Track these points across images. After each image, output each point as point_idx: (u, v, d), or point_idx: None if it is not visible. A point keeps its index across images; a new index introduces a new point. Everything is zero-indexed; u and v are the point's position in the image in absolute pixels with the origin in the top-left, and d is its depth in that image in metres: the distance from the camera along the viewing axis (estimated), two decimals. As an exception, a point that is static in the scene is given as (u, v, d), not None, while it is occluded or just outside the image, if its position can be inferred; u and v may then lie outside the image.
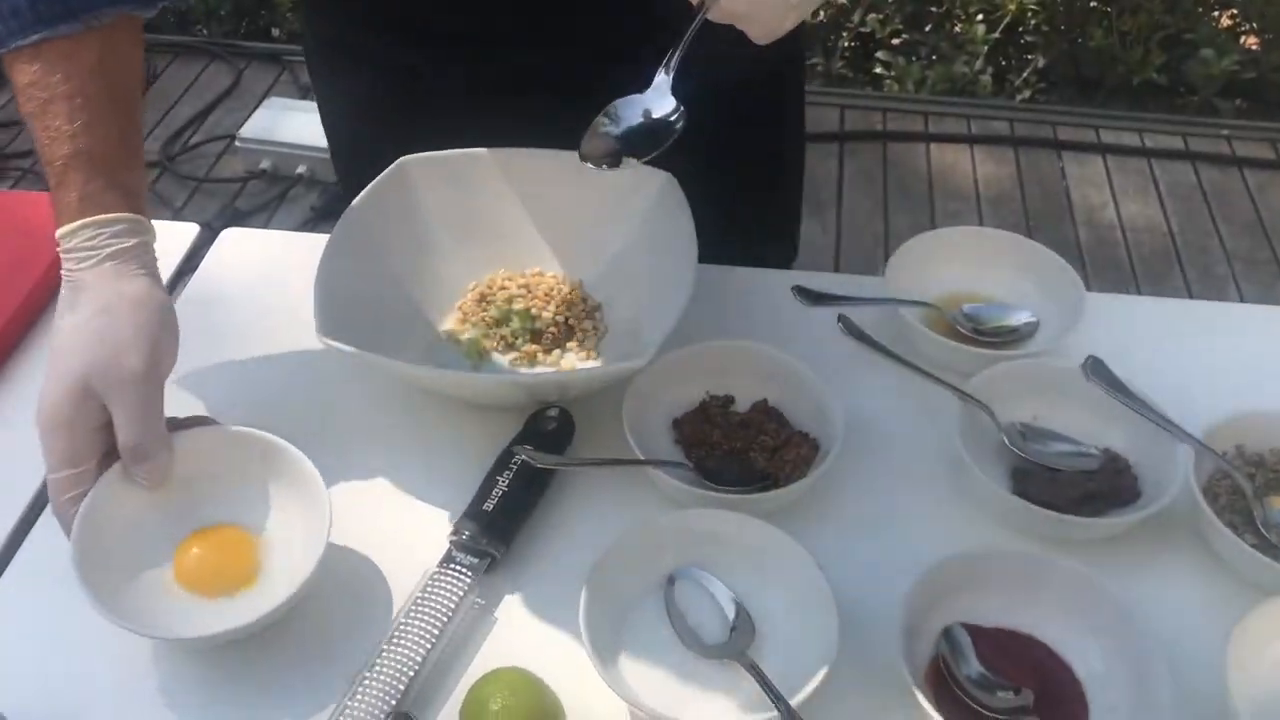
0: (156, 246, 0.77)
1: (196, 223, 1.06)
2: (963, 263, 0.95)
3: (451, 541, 0.75)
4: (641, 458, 0.76)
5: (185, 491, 0.75)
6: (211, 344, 0.90)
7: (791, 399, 0.83)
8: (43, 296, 0.94)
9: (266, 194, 2.69)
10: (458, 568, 0.74)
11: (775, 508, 0.76)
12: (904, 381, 0.83)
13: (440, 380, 0.84)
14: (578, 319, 0.91)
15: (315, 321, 0.77)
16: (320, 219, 2.63)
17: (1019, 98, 3.12)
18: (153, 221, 0.77)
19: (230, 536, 0.75)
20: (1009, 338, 0.90)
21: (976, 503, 0.79)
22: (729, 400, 0.85)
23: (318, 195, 2.68)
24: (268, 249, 1.03)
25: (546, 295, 0.92)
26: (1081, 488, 0.77)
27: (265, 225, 2.61)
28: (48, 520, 0.76)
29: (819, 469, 0.76)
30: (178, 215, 2.51)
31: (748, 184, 1.04)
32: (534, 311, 0.90)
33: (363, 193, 0.88)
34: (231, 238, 1.03)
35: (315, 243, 0.87)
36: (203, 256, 1.01)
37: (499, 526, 0.76)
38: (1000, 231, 0.97)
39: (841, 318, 0.79)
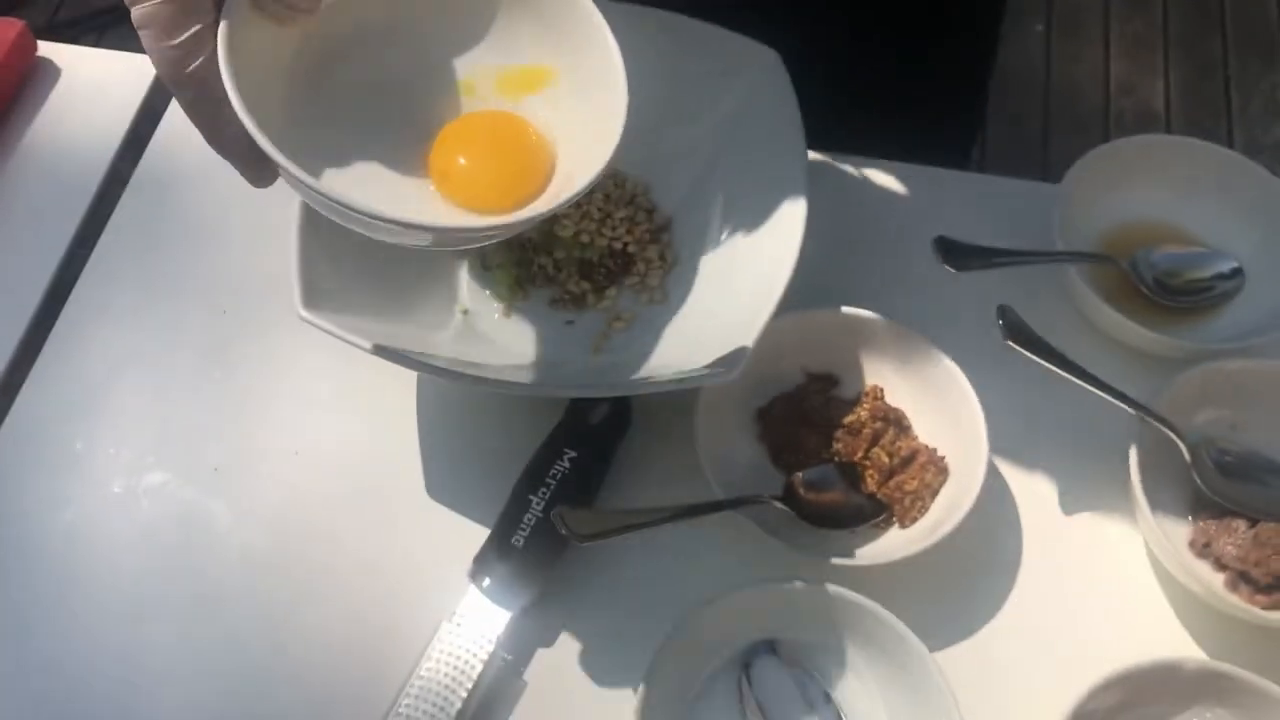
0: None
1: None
2: (1146, 186, 0.72)
3: (472, 582, 0.59)
4: (721, 496, 0.58)
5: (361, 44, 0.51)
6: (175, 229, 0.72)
7: (916, 393, 0.64)
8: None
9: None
10: (479, 617, 0.58)
11: (889, 562, 0.59)
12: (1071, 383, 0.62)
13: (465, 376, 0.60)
14: (640, 244, 0.70)
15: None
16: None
17: None
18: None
19: (515, 131, 0.52)
20: (1203, 299, 0.69)
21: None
22: (831, 382, 0.66)
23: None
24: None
25: (602, 209, 0.71)
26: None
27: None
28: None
29: (957, 516, 0.58)
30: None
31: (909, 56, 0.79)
32: (584, 239, 0.70)
33: None
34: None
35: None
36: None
37: (530, 566, 0.59)
38: (1197, 143, 0.72)
39: (1004, 314, 0.58)
